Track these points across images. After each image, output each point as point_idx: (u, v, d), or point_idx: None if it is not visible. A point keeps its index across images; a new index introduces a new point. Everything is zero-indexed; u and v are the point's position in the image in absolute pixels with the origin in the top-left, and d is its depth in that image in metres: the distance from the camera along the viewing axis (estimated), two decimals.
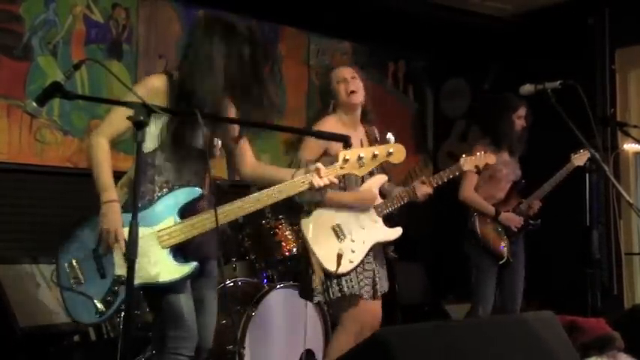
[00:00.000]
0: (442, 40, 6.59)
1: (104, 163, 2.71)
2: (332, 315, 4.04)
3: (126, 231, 2.46)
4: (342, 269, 3.53)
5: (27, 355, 4.10)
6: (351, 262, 3.56)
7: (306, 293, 3.64)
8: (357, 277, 3.58)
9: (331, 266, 3.51)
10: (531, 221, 4.73)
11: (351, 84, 3.73)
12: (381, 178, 3.74)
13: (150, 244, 2.69)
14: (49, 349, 4.23)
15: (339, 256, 3.51)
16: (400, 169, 6.63)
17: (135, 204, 2.29)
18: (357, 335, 3.59)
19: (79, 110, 5.01)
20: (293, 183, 2.81)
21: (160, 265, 2.70)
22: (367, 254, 3.63)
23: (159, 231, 2.72)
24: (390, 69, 6.93)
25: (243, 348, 4.03)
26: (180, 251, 2.76)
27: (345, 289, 3.55)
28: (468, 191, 4.66)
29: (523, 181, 4.76)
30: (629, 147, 5.31)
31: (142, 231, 2.59)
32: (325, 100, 3.79)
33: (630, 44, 5.78)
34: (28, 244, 4.62)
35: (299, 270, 3.76)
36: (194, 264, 2.75)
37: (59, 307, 4.24)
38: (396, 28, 6.28)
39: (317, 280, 3.54)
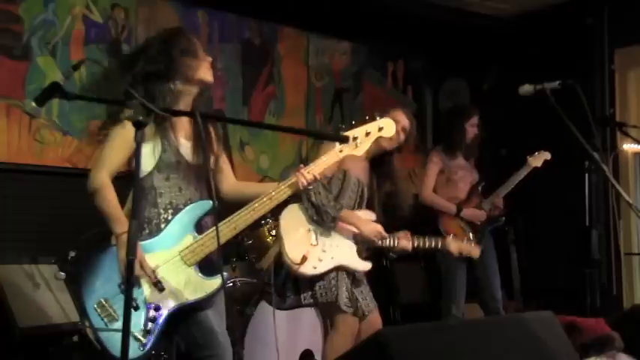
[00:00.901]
0: (441, 40, 6.59)
1: (111, 200, 2.71)
2: (324, 318, 4.06)
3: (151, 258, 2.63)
4: (303, 270, 3.55)
5: (26, 355, 4.09)
6: (315, 268, 3.58)
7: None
8: (330, 287, 3.60)
9: (295, 258, 3.52)
10: (493, 217, 4.84)
11: (401, 138, 3.78)
12: (369, 215, 3.79)
13: (175, 267, 2.71)
14: (48, 349, 4.22)
15: (304, 258, 3.53)
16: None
17: (134, 204, 2.29)
18: (353, 336, 3.60)
19: (78, 110, 5.00)
20: (279, 188, 2.83)
21: (189, 285, 2.70)
22: (335, 271, 3.64)
23: (181, 251, 2.73)
24: (389, 69, 6.93)
25: (243, 348, 4.03)
26: (204, 265, 2.76)
27: (318, 296, 3.58)
28: (427, 192, 4.84)
29: (483, 183, 4.90)
30: (629, 147, 5.32)
31: (165, 255, 2.70)
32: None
33: (629, 44, 5.78)
34: (28, 244, 4.61)
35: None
36: (222, 275, 2.72)
37: (58, 308, 4.24)
38: (395, 28, 6.28)
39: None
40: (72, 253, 4.13)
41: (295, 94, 6.21)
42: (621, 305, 5.50)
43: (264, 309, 4.18)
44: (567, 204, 4.93)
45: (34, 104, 2.31)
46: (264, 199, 2.78)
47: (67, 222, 4.60)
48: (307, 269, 3.56)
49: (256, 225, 4.56)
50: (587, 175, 4.54)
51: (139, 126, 2.23)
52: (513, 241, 5.05)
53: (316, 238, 3.63)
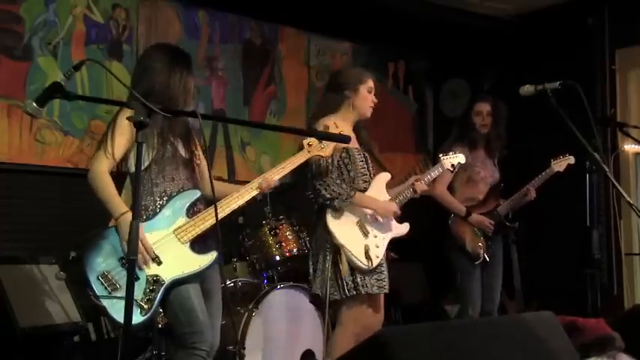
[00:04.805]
0: (442, 40, 6.59)
1: (106, 184, 2.93)
2: (331, 315, 4.04)
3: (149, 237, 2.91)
4: (373, 265, 3.60)
5: (27, 355, 4.10)
6: (377, 256, 3.64)
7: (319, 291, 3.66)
8: (373, 276, 3.63)
9: (365, 261, 3.57)
10: (508, 224, 4.72)
11: (374, 98, 3.83)
12: (385, 176, 3.83)
13: (171, 243, 2.97)
14: (49, 349, 4.22)
15: (367, 251, 3.58)
16: (401, 169, 6.63)
17: (135, 206, 2.32)
18: (357, 336, 3.59)
19: (79, 111, 5.00)
20: (245, 189, 3.15)
21: (184, 259, 2.97)
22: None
23: (174, 230, 2.99)
24: (390, 69, 6.93)
25: (244, 348, 4.03)
26: (197, 244, 3.02)
27: (361, 287, 3.59)
28: (440, 187, 4.65)
29: (502, 184, 4.77)
30: (629, 147, 5.33)
31: (160, 233, 2.97)
32: (338, 90, 3.80)
33: (630, 44, 5.78)
34: (28, 244, 4.62)
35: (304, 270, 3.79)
36: (214, 253, 3.03)
37: (59, 308, 4.24)
38: (396, 29, 6.28)
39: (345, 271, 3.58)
40: (73, 254, 4.15)
41: (296, 95, 6.21)
42: (622, 305, 5.50)
43: (265, 309, 4.18)
44: (568, 204, 4.92)
45: (35, 104, 2.32)
46: (235, 196, 3.10)
47: (68, 222, 4.61)
48: (375, 262, 3.62)
49: (257, 225, 4.56)
50: (587, 175, 4.52)
51: (140, 126, 2.23)
52: (514, 241, 5.03)
53: (366, 229, 3.66)
